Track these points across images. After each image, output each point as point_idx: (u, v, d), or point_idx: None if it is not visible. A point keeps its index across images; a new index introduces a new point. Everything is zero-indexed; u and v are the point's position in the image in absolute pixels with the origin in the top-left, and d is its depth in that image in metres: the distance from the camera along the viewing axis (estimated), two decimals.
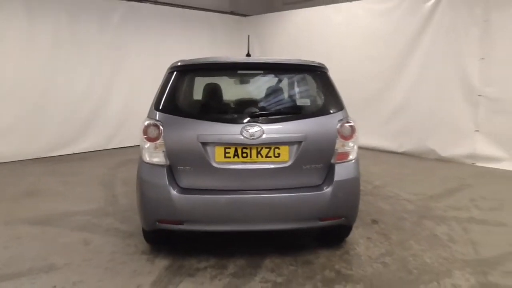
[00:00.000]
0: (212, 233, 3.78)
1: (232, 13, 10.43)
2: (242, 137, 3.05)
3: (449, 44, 7.05)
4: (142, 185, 3.17)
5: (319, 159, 3.19)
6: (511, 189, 5.60)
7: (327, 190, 3.13)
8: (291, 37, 9.53)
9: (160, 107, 3.24)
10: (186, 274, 3.23)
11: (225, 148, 3.09)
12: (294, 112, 3.29)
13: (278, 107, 3.31)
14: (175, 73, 3.34)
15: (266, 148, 3.10)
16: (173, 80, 3.32)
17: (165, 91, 3.30)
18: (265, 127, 3.07)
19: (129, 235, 3.97)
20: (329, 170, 3.21)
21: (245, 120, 3.11)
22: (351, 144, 3.23)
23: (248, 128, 3.05)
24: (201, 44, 9.76)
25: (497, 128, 6.69)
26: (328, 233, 3.75)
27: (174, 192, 3.07)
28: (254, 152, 3.10)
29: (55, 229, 4.14)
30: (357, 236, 3.90)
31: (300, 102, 3.36)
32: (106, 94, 8.32)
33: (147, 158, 3.17)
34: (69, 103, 7.75)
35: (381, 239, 3.86)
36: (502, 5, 6.50)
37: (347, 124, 3.24)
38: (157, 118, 3.18)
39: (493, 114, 6.73)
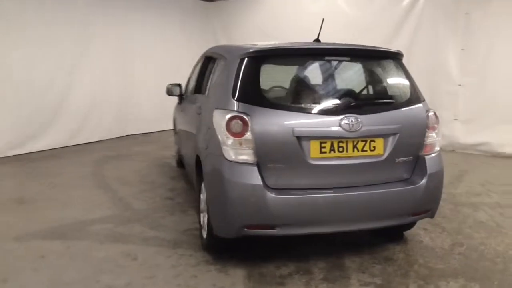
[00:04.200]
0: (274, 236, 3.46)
1: None
2: (341, 130, 2.78)
3: (430, 35, 7.28)
4: (228, 187, 2.76)
5: (410, 151, 3.03)
6: (506, 172, 5.94)
7: (421, 183, 2.98)
8: (260, 26, 9.21)
9: (242, 97, 2.84)
10: (275, 283, 2.91)
11: (320, 143, 2.80)
12: (388, 102, 3.09)
13: (372, 97, 3.09)
14: (248, 59, 2.95)
15: (362, 141, 2.86)
16: (249, 68, 2.93)
17: (242, 79, 2.90)
18: (363, 118, 2.83)
19: (174, 244, 3.51)
20: (417, 162, 3.06)
21: (343, 111, 2.84)
22: (436, 135, 3.12)
23: (347, 119, 2.79)
24: (170, 30, 9.16)
25: (475, 117, 7.06)
26: (391, 227, 3.61)
27: (268, 194, 2.71)
28: (350, 146, 2.85)
29: (81, 243, 3.53)
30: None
31: (391, 91, 3.16)
32: (68, 84, 7.41)
33: (231, 155, 2.77)
34: (25, 95, 6.70)
35: (436, 229, 3.82)
36: None
37: (432, 114, 3.11)
38: (242, 109, 2.78)
39: (472, 103, 7.09)
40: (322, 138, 2.80)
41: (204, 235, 3.35)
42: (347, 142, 2.84)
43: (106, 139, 8.00)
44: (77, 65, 7.43)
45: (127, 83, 8.37)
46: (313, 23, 8.31)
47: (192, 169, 3.85)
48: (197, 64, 5.07)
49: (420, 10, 7.36)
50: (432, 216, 3.21)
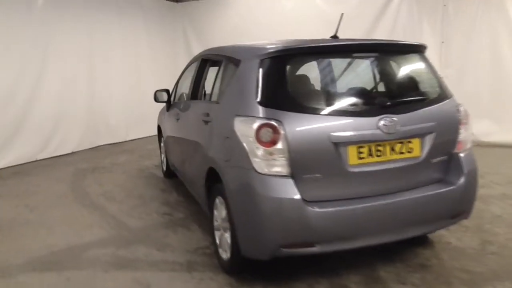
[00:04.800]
0: None
1: None
2: (379, 132, 2.55)
3: (410, 28, 7.26)
4: (262, 203, 2.45)
5: (445, 150, 2.84)
6: (498, 161, 5.96)
7: (460, 183, 2.80)
8: (234, 25, 8.91)
9: (269, 102, 2.54)
10: None
11: (358, 147, 2.56)
12: (421, 99, 2.87)
13: (406, 95, 2.86)
14: (270, 60, 2.65)
15: (399, 143, 2.64)
16: (273, 69, 2.63)
17: (267, 82, 2.60)
18: (401, 118, 2.61)
19: (188, 266, 3.16)
20: (451, 161, 2.88)
21: (379, 112, 2.60)
22: (467, 131, 2.95)
23: (385, 121, 2.56)
24: (135, 33, 8.64)
25: None
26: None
27: (309, 208, 2.43)
28: (388, 149, 2.62)
29: (81, 273, 3.11)
30: None
31: (422, 87, 2.95)
32: (31, 94, 6.74)
33: (263, 168, 2.46)
34: None
35: (459, 228, 3.66)
36: None
37: (464, 109, 2.95)
38: (272, 116, 2.48)
39: (455, 94, 7.10)
40: (360, 142, 2.55)
41: (223, 256, 3.02)
42: (384, 145, 2.61)
43: (78, 151, 7.41)
44: (40, 74, 6.77)
45: (94, 91, 7.78)
46: (288, 21, 8.24)
47: (198, 182, 3.51)
48: (187, 68, 4.68)
49: (399, 3, 7.32)
50: (467, 217, 3.04)
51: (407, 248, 3.33)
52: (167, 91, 4.84)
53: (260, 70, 2.65)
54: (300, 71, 2.88)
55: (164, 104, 5.30)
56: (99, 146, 7.85)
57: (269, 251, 2.53)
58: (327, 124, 2.51)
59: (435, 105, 2.84)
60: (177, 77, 5.08)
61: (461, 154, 2.89)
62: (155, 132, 8.88)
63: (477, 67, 6.93)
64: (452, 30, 6.98)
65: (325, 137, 2.48)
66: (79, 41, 7.38)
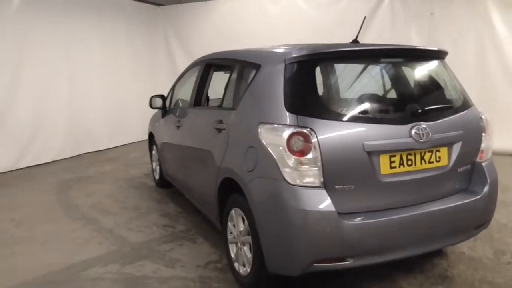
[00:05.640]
0: None
1: (144, 0, 9.09)
2: (412, 141, 2.48)
3: (398, 36, 7.32)
4: (294, 216, 2.32)
5: (469, 159, 2.80)
6: None
7: (484, 192, 2.76)
8: (218, 30, 8.76)
9: (299, 109, 2.42)
10: None
11: (390, 157, 2.47)
12: (448, 107, 2.82)
13: (434, 102, 2.79)
14: (297, 64, 2.54)
15: (428, 152, 2.58)
16: (301, 74, 2.52)
17: (295, 88, 2.49)
18: (431, 126, 2.55)
19: (202, 283, 2.99)
20: (474, 170, 2.85)
21: (410, 120, 2.53)
22: (489, 140, 2.93)
23: (417, 128, 2.49)
24: (116, 37, 8.34)
25: None
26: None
27: (344, 221, 2.32)
28: (418, 157, 2.55)
29: None
30: None
31: (448, 95, 2.89)
32: (9, 99, 6.38)
33: (295, 178, 2.33)
34: None
35: None
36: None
37: (484, 118, 2.92)
38: (303, 124, 2.36)
39: None
40: (393, 151, 2.47)
41: (241, 271, 2.87)
42: (415, 154, 2.54)
43: (59, 160, 7.04)
44: (15, 78, 6.40)
45: (74, 96, 7.43)
46: (274, 25, 8.17)
47: (207, 193, 3.34)
48: (185, 73, 4.50)
49: (386, 10, 7.39)
50: (487, 226, 3.01)
51: (423, 258, 3.26)
52: (162, 96, 4.65)
53: (287, 75, 2.53)
54: (329, 76, 2.78)
55: (155, 111, 5.10)
56: (81, 154, 7.50)
57: (301, 267, 2.40)
58: (361, 132, 2.41)
59: (461, 113, 2.79)
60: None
61: (484, 163, 2.85)
62: (137, 139, 8.67)
63: (462, 74, 7.04)
64: (439, 38, 7.08)
65: (359, 145, 2.38)
66: (58, 45, 7.03)
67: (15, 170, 6.40)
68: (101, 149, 7.92)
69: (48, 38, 6.88)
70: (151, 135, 5.42)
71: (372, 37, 7.40)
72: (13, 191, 5.39)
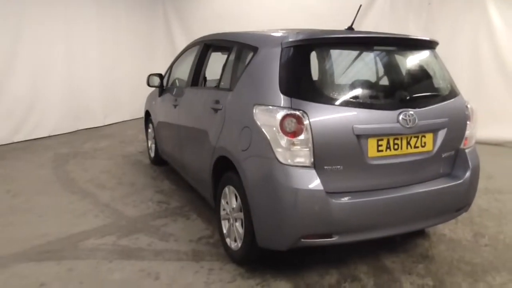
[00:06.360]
0: None
1: None
2: (399, 126, 2.60)
3: (396, 25, 7.37)
4: (284, 194, 2.45)
5: (453, 145, 2.94)
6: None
7: (466, 177, 2.91)
8: (218, 12, 8.78)
9: (293, 92, 2.52)
10: None
11: (377, 140, 2.60)
12: (435, 95, 2.94)
13: (422, 90, 2.91)
14: (294, 49, 2.63)
15: (414, 137, 2.71)
16: (297, 59, 2.61)
17: (291, 71, 2.58)
18: (418, 113, 2.67)
19: (194, 256, 3.13)
20: (457, 156, 2.99)
21: (398, 106, 2.65)
22: (473, 128, 3.06)
23: (404, 114, 2.61)
24: (115, 15, 8.35)
25: None
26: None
27: (331, 199, 2.45)
28: (404, 142, 2.68)
29: (84, 263, 3.01)
30: None
31: (436, 83, 3.01)
32: (5, 72, 6.41)
33: (286, 158, 2.45)
34: None
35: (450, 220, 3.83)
36: None
37: (470, 107, 3.05)
38: (297, 106, 2.47)
39: None
40: (380, 135, 2.59)
41: (232, 245, 3.01)
42: (401, 139, 2.67)
43: (55, 135, 7.12)
44: (15, 52, 6.44)
45: (71, 73, 7.48)
46: (272, 9, 8.19)
47: (202, 171, 3.46)
48: (184, 52, 4.56)
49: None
50: (467, 210, 3.17)
51: (406, 238, 3.43)
52: (160, 75, 4.72)
53: (283, 58, 2.62)
54: (323, 62, 2.87)
55: (152, 89, 5.17)
56: (77, 130, 7.57)
57: (289, 242, 2.54)
58: (351, 116, 2.53)
59: (447, 101, 2.92)
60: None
61: (467, 150, 2.99)
62: (133, 117, 8.74)
63: (456, 64, 7.15)
64: (436, 27, 7.14)
65: (348, 129, 2.50)
66: (56, 19, 7.05)
67: (11, 143, 6.47)
68: (97, 125, 7.99)
69: (46, 13, 6.88)
70: (147, 113, 5.50)
71: (369, 26, 7.46)
72: (9, 163, 5.49)
